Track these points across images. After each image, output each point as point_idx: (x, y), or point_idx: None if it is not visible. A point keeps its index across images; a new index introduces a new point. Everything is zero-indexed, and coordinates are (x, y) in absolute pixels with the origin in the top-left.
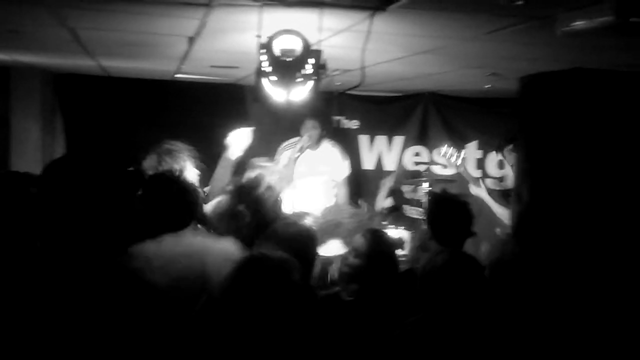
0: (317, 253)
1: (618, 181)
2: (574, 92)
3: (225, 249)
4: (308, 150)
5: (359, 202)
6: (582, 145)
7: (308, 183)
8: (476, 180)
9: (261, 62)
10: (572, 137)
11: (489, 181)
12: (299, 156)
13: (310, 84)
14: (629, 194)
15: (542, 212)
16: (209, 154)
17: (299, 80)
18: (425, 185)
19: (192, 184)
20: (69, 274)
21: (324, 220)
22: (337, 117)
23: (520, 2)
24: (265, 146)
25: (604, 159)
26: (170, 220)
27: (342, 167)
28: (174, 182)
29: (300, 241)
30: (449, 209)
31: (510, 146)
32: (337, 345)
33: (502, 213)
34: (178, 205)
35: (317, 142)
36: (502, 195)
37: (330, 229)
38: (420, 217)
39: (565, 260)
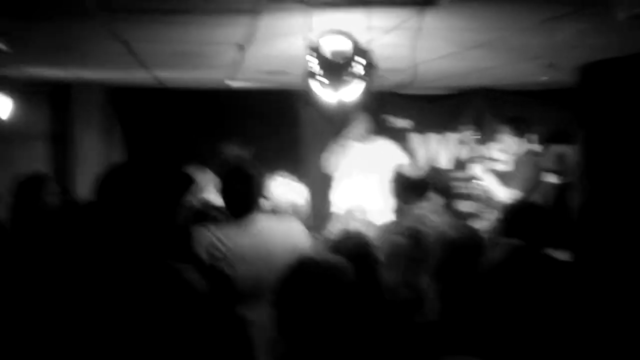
0: (377, 261)
1: None
2: (638, 79)
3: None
4: (360, 144)
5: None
6: None
7: (363, 182)
8: None
9: (310, 64)
10: (637, 126)
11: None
12: (344, 147)
13: (361, 84)
14: None
15: (603, 205)
16: (263, 161)
17: (349, 81)
18: (480, 180)
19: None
20: (121, 278)
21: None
22: (391, 117)
23: None
24: (317, 149)
25: None
26: (236, 206)
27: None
28: (241, 171)
29: (359, 252)
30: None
31: (510, 129)
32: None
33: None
34: (242, 193)
35: (368, 136)
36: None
37: None
38: (474, 211)
39: (626, 251)
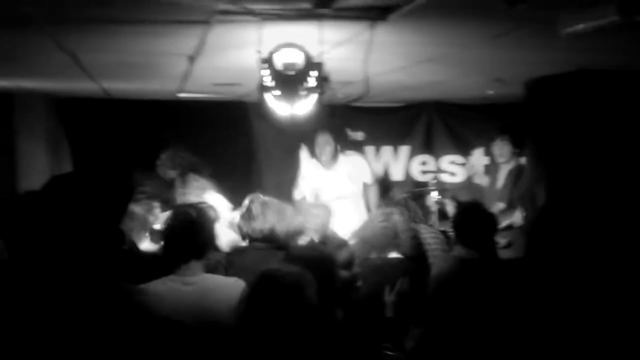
0: (337, 275)
1: (630, 179)
2: (581, 93)
3: (233, 286)
4: (324, 169)
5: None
6: (592, 146)
7: (337, 205)
8: None
9: (263, 77)
10: (582, 138)
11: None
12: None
13: (314, 97)
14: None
15: (555, 215)
16: (214, 172)
17: (302, 93)
18: (435, 194)
19: (208, 216)
20: (60, 294)
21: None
22: (349, 131)
23: (521, 6)
24: (270, 161)
25: (614, 159)
26: (179, 254)
27: (366, 175)
28: (188, 218)
29: (320, 264)
30: (476, 215)
31: (505, 137)
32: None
33: None
34: (187, 241)
35: (333, 158)
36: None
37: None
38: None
39: (579, 262)
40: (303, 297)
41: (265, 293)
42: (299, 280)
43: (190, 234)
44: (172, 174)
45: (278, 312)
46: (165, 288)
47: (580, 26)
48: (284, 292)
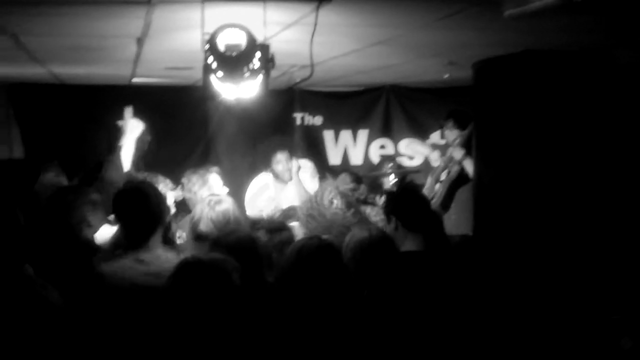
0: (260, 257)
1: (571, 159)
2: (525, 74)
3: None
4: (278, 185)
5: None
6: (535, 126)
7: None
8: None
9: (207, 58)
10: (525, 118)
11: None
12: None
13: (259, 78)
14: (582, 171)
15: (501, 195)
16: (172, 158)
17: (246, 75)
18: (392, 177)
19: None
20: None
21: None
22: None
23: None
24: (226, 146)
25: (556, 138)
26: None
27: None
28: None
29: (243, 248)
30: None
31: (450, 122)
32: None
33: None
34: (141, 217)
35: (289, 176)
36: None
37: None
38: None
39: (524, 241)
40: (229, 282)
41: (190, 280)
42: (223, 266)
43: (143, 206)
44: None
45: (203, 298)
46: (121, 265)
47: (523, 8)
48: (209, 279)
